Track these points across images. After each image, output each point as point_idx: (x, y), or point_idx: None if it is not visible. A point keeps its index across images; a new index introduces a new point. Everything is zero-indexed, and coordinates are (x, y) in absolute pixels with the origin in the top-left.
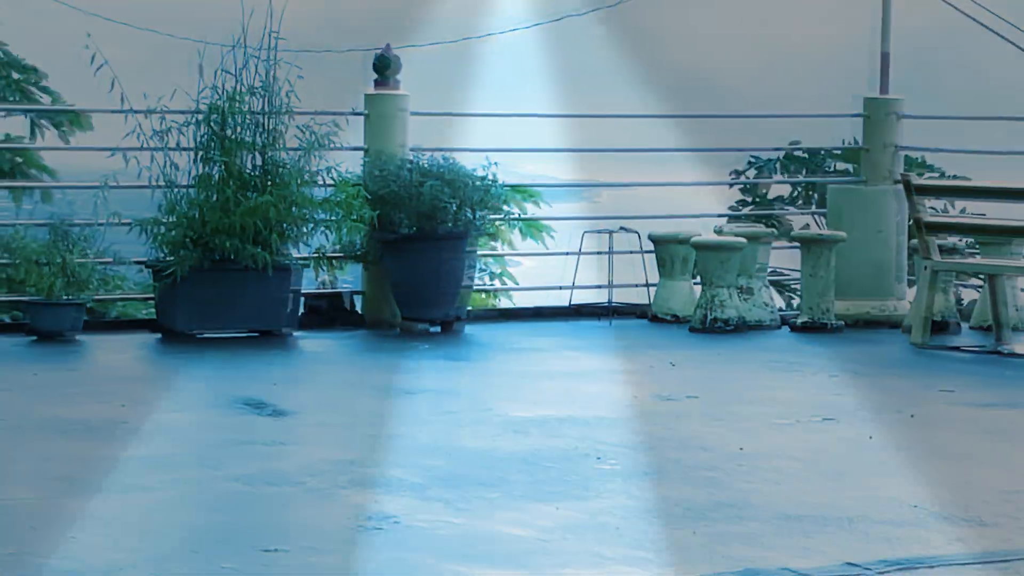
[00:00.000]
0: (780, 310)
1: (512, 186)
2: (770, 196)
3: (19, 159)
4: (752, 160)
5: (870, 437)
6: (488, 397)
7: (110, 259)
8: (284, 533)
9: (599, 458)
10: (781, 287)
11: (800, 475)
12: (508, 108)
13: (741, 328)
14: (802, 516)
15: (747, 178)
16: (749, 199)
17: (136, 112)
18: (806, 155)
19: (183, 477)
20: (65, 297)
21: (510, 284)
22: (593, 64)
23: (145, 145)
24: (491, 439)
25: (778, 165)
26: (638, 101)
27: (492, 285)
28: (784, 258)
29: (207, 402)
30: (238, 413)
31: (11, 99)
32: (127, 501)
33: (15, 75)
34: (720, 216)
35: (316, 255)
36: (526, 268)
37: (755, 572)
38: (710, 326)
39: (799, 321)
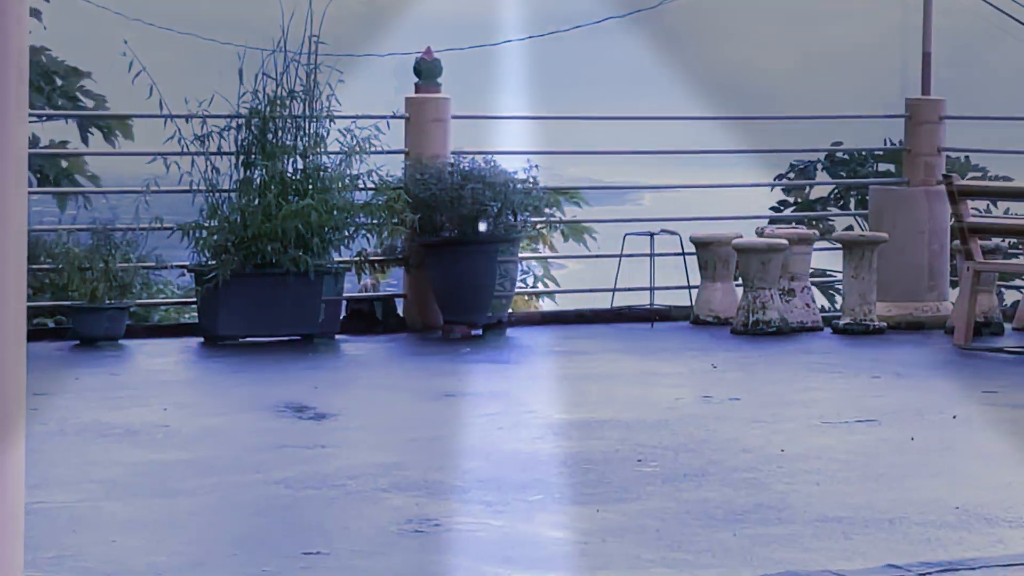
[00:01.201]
0: (824, 311)
1: (554, 189)
2: (812, 197)
3: (64, 163)
4: (794, 164)
5: (912, 438)
6: (529, 400)
7: (152, 264)
8: (325, 536)
9: (639, 460)
10: (825, 288)
11: (841, 476)
12: (549, 111)
13: (783, 330)
14: (843, 518)
15: (789, 180)
16: (791, 200)
17: (177, 117)
18: (848, 156)
19: (224, 481)
20: (108, 302)
21: (552, 287)
22: (635, 66)
23: (186, 150)
24: (531, 442)
25: (820, 167)
26: (680, 103)
27: (534, 288)
28: (828, 259)
29: (249, 406)
30: (279, 417)
31: (56, 104)
32: (168, 505)
33: (58, 81)
34: (762, 218)
35: (358, 259)
36: (568, 270)
37: (795, 574)
38: (752, 328)
39: (841, 323)
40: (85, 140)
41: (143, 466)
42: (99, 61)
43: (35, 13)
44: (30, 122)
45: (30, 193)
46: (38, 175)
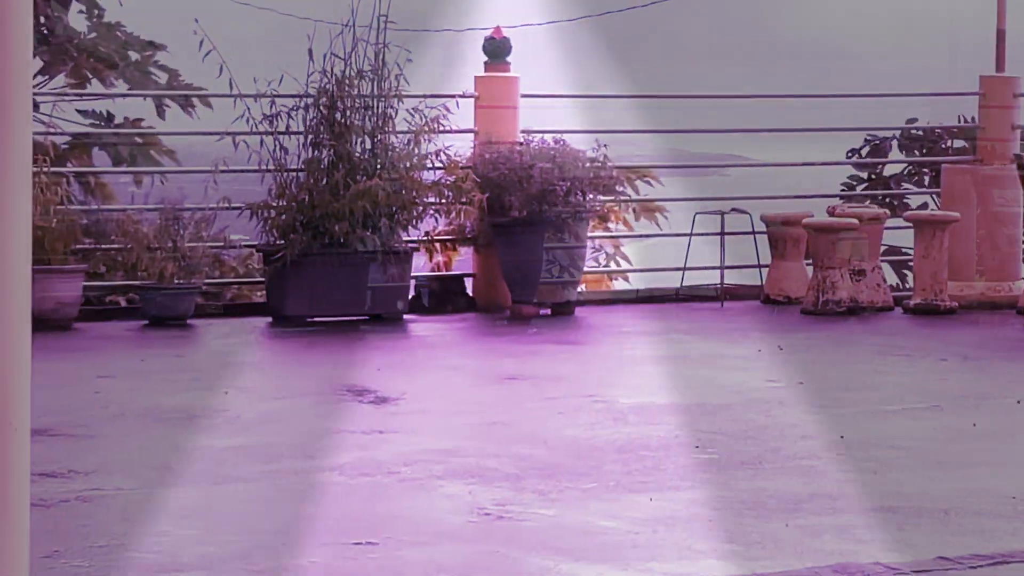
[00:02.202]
0: (898, 290)
1: (624, 167)
2: (886, 174)
3: (139, 140)
4: (869, 138)
5: (974, 424)
6: (591, 383)
7: (221, 243)
8: (374, 525)
9: (697, 447)
10: (899, 266)
11: (899, 465)
12: (623, 88)
13: (853, 310)
14: (897, 508)
15: (861, 156)
16: (864, 176)
17: (246, 96)
18: (921, 133)
19: (279, 467)
20: (177, 282)
21: (623, 266)
22: (708, 38)
23: (255, 129)
24: (590, 427)
25: (895, 143)
26: (756, 77)
27: (605, 267)
28: (902, 237)
29: (310, 389)
30: (340, 400)
31: (129, 80)
32: (222, 492)
33: (133, 55)
34: (833, 196)
35: (425, 239)
36: (639, 249)
37: (845, 566)
38: (822, 308)
39: (912, 303)
40: (160, 113)
41: (199, 452)
42: (174, 34)
43: None
44: (104, 97)
45: (97, 173)
46: (114, 152)
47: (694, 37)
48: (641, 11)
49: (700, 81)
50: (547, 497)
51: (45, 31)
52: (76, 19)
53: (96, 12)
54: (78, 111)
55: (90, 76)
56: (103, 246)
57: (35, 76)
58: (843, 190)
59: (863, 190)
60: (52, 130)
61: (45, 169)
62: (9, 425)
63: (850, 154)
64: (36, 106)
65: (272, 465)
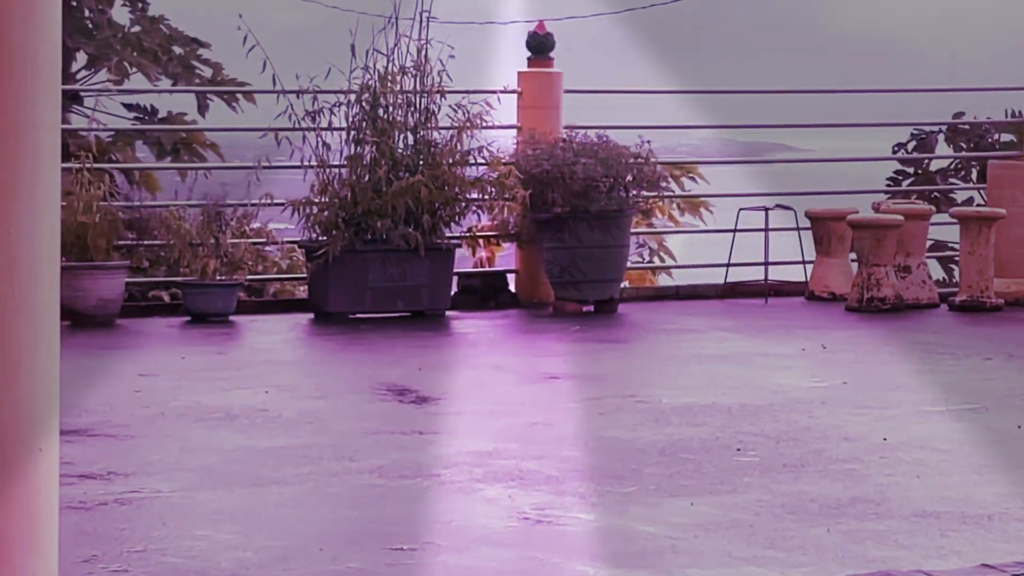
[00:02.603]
0: (945, 284)
1: (668, 163)
2: (932, 168)
3: (183, 134)
4: (914, 133)
5: (1019, 427)
6: (633, 382)
7: (263, 239)
8: (413, 530)
9: (739, 449)
10: (946, 262)
11: (942, 468)
12: (665, 82)
13: (898, 307)
14: (940, 513)
15: (907, 152)
16: (910, 170)
17: (288, 93)
18: (968, 127)
19: (318, 469)
20: (219, 278)
21: (668, 260)
22: (755, 31)
23: (297, 125)
24: (631, 428)
25: (941, 137)
26: (803, 69)
27: (649, 262)
28: (950, 232)
29: (351, 388)
30: (380, 400)
31: (174, 74)
32: (261, 495)
33: (177, 49)
34: (878, 192)
35: (469, 234)
36: (684, 244)
37: (887, 574)
38: (867, 305)
39: (957, 300)
40: (203, 109)
41: (239, 453)
42: (218, 27)
43: None
44: (148, 92)
45: (139, 169)
46: (156, 145)
47: (741, 30)
48: (689, 3)
49: (747, 73)
50: (587, 501)
51: (90, 25)
52: (120, 13)
53: (140, 6)
54: (123, 105)
55: (134, 70)
56: (146, 242)
57: (79, 70)
58: (889, 185)
59: (909, 185)
60: (95, 124)
61: (88, 165)
62: (38, 450)
63: (896, 148)
64: (80, 100)
65: (311, 467)
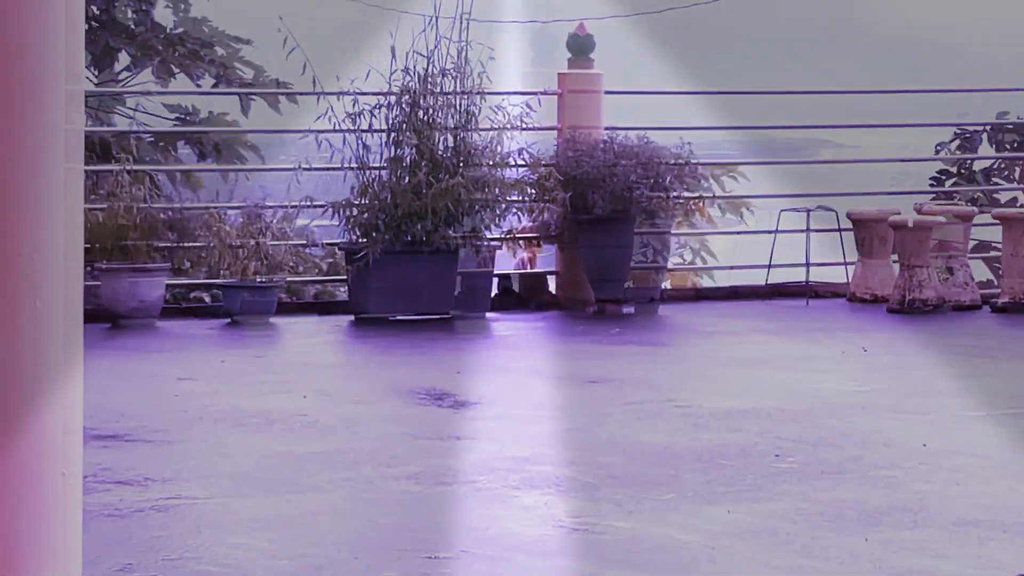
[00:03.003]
0: (990, 286)
1: (709, 163)
2: (976, 168)
3: (225, 137)
4: (958, 132)
5: None
6: (672, 386)
7: (303, 241)
8: (448, 538)
9: (777, 455)
10: (991, 262)
11: (982, 475)
12: (705, 83)
13: (940, 309)
14: (980, 521)
15: (950, 151)
16: (953, 170)
17: (328, 94)
18: (1011, 126)
19: (355, 475)
20: (259, 280)
21: (710, 261)
22: (798, 29)
23: (337, 127)
24: (669, 433)
25: (985, 137)
26: (848, 66)
27: (691, 263)
28: (995, 232)
29: (389, 392)
30: (419, 404)
31: (215, 74)
32: (297, 502)
33: (219, 50)
34: (921, 193)
35: (508, 236)
36: (726, 245)
37: None
38: (908, 306)
39: (1000, 302)
40: (245, 110)
41: (276, 458)
42: (260, 27)
43: None
44: (189, 93)
45: (179, 170)
46: (199, 146)
47: (784, 27)
48: (732, 1)
49: (790, 72)
50: (624, 508)
51: (132, 26)
52: (163, 14)
53: (183, 7)
54: (164, 105)
55: (176, 71)
56: (186, 243)
57: (122, 71)
58: (932, 185)
59: (951, 185)
60: (136, 126)
61: (128, 167)
62: (61, 475)
63: (939, 148)
64: (122, 101)
65: (348, 472)
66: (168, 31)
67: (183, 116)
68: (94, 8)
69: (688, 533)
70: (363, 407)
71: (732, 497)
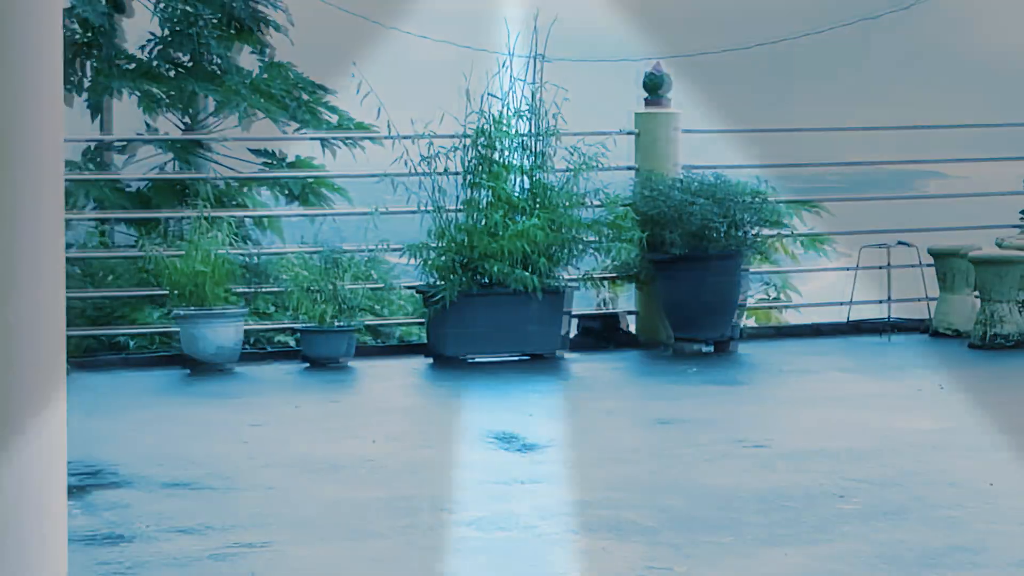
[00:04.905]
0: None
1: (790, 200)
2: None
3: (310, 180)
4: None
5: None
6: (742, 427)
7: (381, 284)
8: None
9: (841, 496)
10: None
11: None
12: (790, 120)
13: (1022, 344)
14: None
15: None
16: None
17: (404, 138)
18: None
19: (415, 522)
20: (337, 324)
21: (793, 297)
22: (885, 66)
23: (413, 170)
24: (735, 475)
25: None
26: (938, 101)
27: (774, 301)
28: None
29: (458, 436)
30: (487, 448)
31: (301, 120)
32: (354, 549)
33: (304, 96)
34: (1006, 228)
35: (585, 276)
36: (808, 282)
37: None
38: (989, 342)
39: None
40: (332, 153)
41: (338, 505)
42: (343, 71)
43: (282, 29)
44: (267, 140)
45: (256, 216)
46: (286, 192)
47: (877, 57)
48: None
49: (885, 102)
50: (682, 552)
51: (217, 72)
52: (247, 59)
53: (267, 52)
54: (250, 150)
55: (260, 116)
56: (263, 288)
57: (207, 117)
58: (1021, 218)
59: None
60: (214, 171)
61: (206, 213)
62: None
63: None
64: (207, 147)
65: (409, 519)
66: (252, 76)
67: (270, 162)
68: (180, 55)
69: None
70: (430, 452)
71: (791, 539)
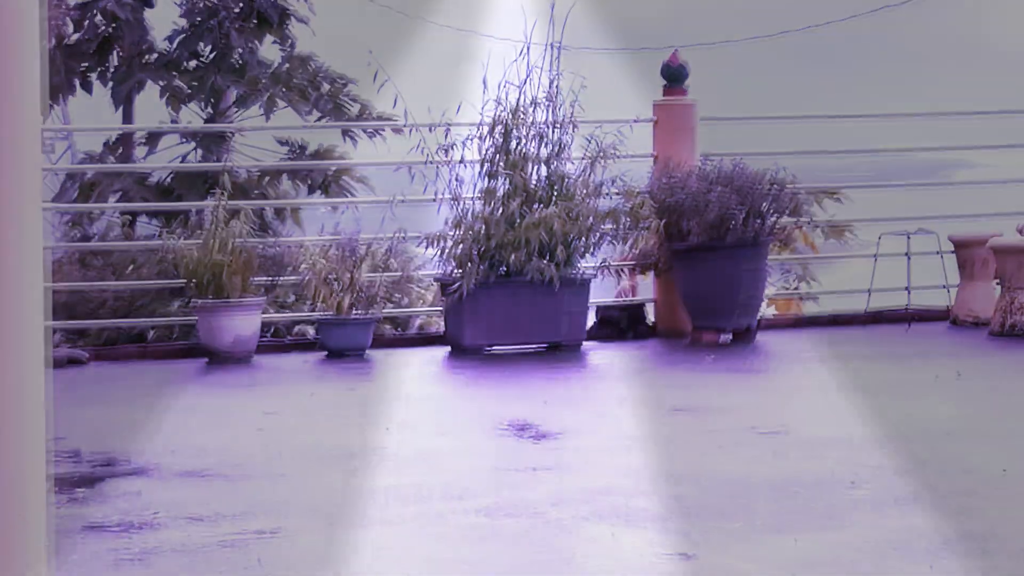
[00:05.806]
0: None
1: (810, 188)
2: None
3: (333, 169)
4: None
5: None
6: (757, 415)
7: (398, 273)
8: (506, 571)
9: (853, 483)
10: None
11: None
12: (808, 108)
13: None
14: None
15: None
16: None
17: (420, 126)
18: None
19: (425, 509)
20: (354, 314)
21: (814, 286)
22: (906, 56)
23: (430, 160)
24: (747, 463)
25: None
26: (954, 91)
27: (796, 288)
28: None
29: (472, 424)
30: (500, 436)
31: (322, 109)
32: (362, 536)
33: (325, 86)
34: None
35: (603, 265)
36: (828, 270)
37: None
38: (1008, 331)
39: None
40: (353, 143)
41: (349, 493)
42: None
43: (303, 20)
44: (286, 128)
45: (275, 205)
46: (308, 182)
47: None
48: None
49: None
50: (689, 539)
51: (239, 63)
52: (270, 50)
53: (289, 43)
54: (276, 140)
55: (283, 106)
56: (280, 279)
57: (228, 108)
58: None
59: None
60: (232, 162)
61: (223, 203)
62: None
63: None
64: (227, 138)
65: (419, 506)
66: (275, 68)
67: (293, 151)
68: (203, 46)
69: (750, 563)
70: (444, 440)
71: (801, 526)
